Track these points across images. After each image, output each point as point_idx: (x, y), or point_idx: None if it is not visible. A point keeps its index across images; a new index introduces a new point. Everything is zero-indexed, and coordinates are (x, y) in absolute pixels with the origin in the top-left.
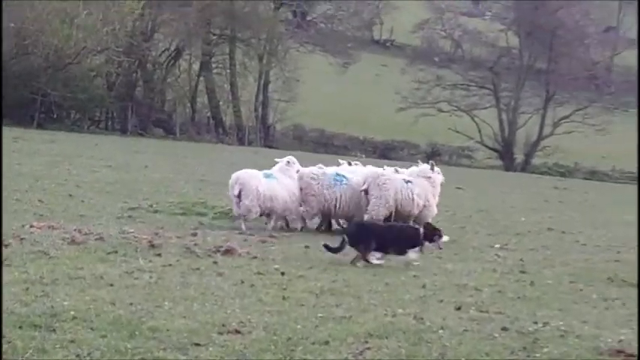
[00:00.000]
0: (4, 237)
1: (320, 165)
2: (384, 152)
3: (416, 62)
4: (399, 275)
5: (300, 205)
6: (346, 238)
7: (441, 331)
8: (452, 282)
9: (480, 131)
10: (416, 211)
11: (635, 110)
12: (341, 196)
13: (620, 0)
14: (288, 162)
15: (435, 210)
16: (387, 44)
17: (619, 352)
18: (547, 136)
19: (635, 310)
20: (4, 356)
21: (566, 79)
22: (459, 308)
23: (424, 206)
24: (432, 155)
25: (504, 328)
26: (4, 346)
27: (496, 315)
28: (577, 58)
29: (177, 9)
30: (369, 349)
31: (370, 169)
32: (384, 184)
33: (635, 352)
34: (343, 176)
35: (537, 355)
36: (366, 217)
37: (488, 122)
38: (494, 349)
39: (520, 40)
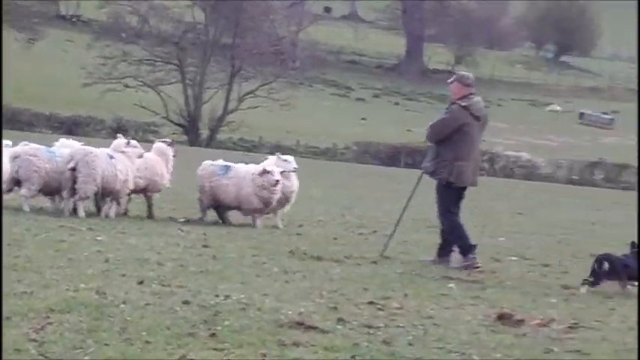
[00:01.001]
0: None
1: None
2: (71, 128)
3: (102, 38)
4: (83, 251)
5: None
6: None
7: (122, 305)
8: (135, 256)
9: (165, 106)
10: (119, 187)
11: (320, 85)
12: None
13: None
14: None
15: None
16: (74, 19)
17: (299, 323)
18: (232, 111)
19: (315, 282)
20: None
21: (251, 54)
22: (141, 282)
23: (125, 181)
24: (118, 130)
25: (186, 302)
26: None
27: (178, 289)
28: (263, 33)
29: None
30: (50, 323)
31: (77, 146)
32: (92, 161)
33: (314, 323)
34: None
35: (218, 327)
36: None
37: (174, 97)
38: (176, 323)
39: (205, 15)
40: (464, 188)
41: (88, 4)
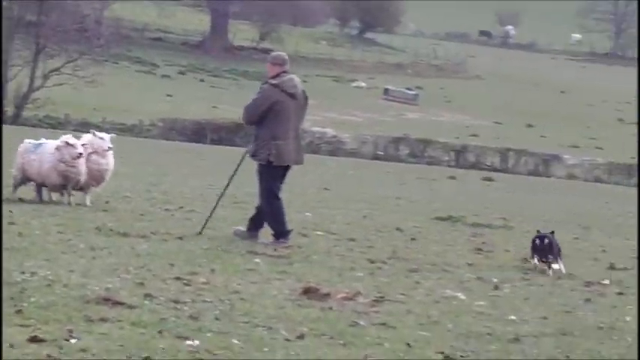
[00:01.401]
0: None
1: None
2: None
3: None
4: None
5: None
6: None
7: None
8: None
9: None
10: None
11: (125, 62)
12: None
13: None
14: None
15: None
16: None
17: (105, 299)
18: (38, 89)
19: (122, 258)
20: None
21: (56, 32)
22: None
23: None
24: None
25: None
26: None
27: None
28: (68, 11)
29: None
30: None
31: None
32: None
33: (121, 299)
34: None
35: (24, 304)
36: None
37: None
38: None
39: None
40: (286, 168)
41: None
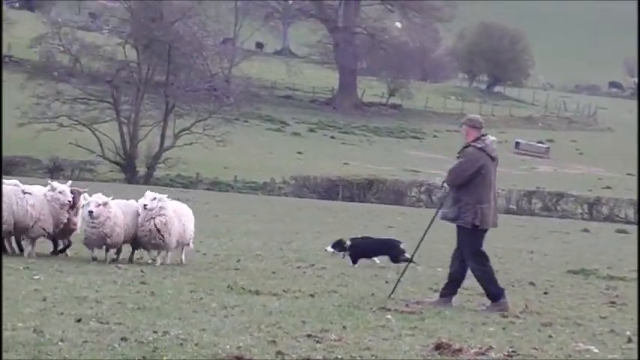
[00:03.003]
0: None
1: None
2: (6, 169)
3: (35, 77)
4: (21, 289)
5: None
6: None
7: (60, 344)
8: (72, 295)
9: (101, 145)
10: (31, 223)
11: (255, 121)
12: None
13: (237, 11)
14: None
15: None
16: (6, 60)
17: (237, 358)
18: (168, 148)
19: (254, 316)
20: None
21: (185, 92)
22: (79, 320)
23: (39, 219)
24: (55, 170)
25: (124, 338)
26: None
27: (116, 326)
28: (196, 70)
29: None
30: None
31: None
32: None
33: (253, 357)
34: None
35: None
36: None
37: (109, 136)
38: (114, 359)
39: (138, 54)
40: (485, 230)
41: (20, 43)
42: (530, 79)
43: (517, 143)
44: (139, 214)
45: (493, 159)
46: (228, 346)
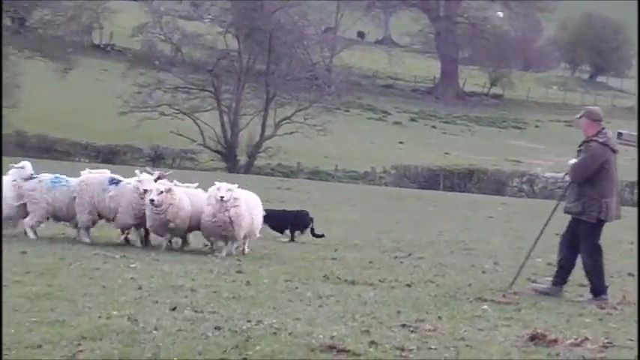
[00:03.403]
0: None
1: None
2: (108, 157)
3: (136, 66)
4: (116, 278)
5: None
6: None
7: (154, 332)
8: (168, 283)
9: (202, 134)
10: (111, 214)
11: (356, 110)
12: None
13: (339, 1)
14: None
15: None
16: (108, 49)
17: (330, 347)
18: (269, 137)
19: (349, 306)
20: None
21: (286, 80)
22: (174, 309)
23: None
24: (156, 159)
25: (217, 327)
26: None
27: (210, 315)
28: (297, 59)
29: None
30: (81, 351)
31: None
32: (81, 190)
33: (346, 346)
34: (59, 178)
35: (249, 352)
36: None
37: (210, 125)
38: (207, 348)
39: (239, 43)
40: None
41: (122, 32)
42: (633, 68)
43: (619, 134)
44: (210, 204)
45: (615, 152)
46: (321, 336)
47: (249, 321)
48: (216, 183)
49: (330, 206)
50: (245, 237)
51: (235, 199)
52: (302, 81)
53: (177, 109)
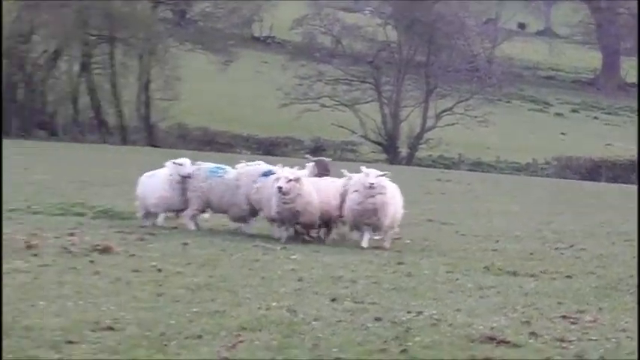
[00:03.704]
0: None
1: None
2: (269, 149)
3: (297, 58)
4: (276, 269)
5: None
6: None
7: (314, 323)
8: (328, 274)
9: (363, 125)
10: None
11: (518, 101)
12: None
13: None
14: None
15: None
16: (268, 41)
17: (490, 338)
18: (430, 129)
19: (509, 297)
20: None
21: (447, 72)
22: (333, 300)
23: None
24: (317, 150)
25: (378, 318)
26: None
27: (370, 305)
28: (457, 51)
29: (54, 10)
30: (241, 341)
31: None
32: (237, 181)
33: (506, 338)
34: (220, 169)
35: (409, 343)
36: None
37: (371, 116)
38: (367, 339)
39: (399, 34)
40: None
41: (282, 25)
42: None
43: None
44: (357, 191)
45: None
46: (481, 327)
47: (409, 312)
48: (363, 169)
49: (492, 197)
50: (387, 229)
51: (382, 187)
52: (462, 72)
53: (337, 101)
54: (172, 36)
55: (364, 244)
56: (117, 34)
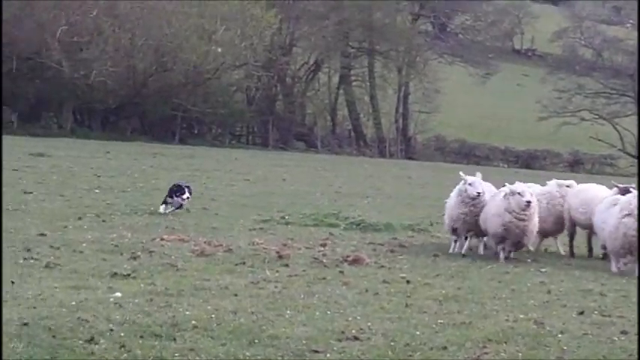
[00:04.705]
0: (133, 250)
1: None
2: (527, 162)
3: (556, 71)
4: (526, 282)
5: None
6: None
7: (560, 335)
8: (577, 287)
9: (622, 139)
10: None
11: None
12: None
13: None
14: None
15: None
16: (529, 54)
17: None
18: None
19: None
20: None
21: None
22: (581, 313)
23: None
24: (575, 164)
25: (624, 332)
26: (124, 355)
27: (618, 319)
28: None
29: (314, 22)
30: (486, 353)
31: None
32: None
33: None
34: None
35: None
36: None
37: (630, 130)
38: (612, 352)
39: None
40: None
41: (542, 37)
42: None
43: None
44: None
45: None
46: None
47: None
48: (518, 184)
49: None
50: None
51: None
52: None
53: (596, 114)
54: (431, 49)
55: (501, 258)
56: (377, 46)
